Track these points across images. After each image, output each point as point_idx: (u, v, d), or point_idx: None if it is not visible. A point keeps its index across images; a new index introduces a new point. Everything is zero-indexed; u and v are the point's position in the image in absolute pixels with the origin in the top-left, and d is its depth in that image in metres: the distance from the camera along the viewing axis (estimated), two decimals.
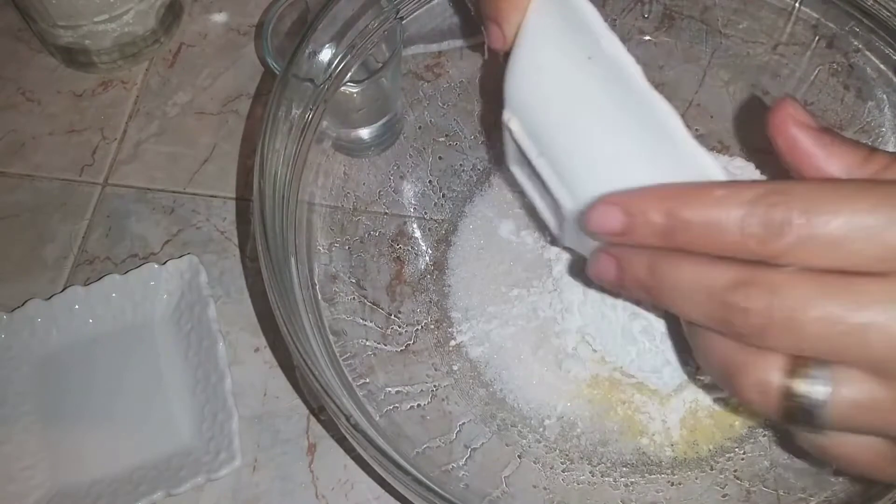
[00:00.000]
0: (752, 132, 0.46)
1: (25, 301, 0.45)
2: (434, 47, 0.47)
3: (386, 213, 0.45)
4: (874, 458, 0.24)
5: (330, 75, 0.39)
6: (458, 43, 0.47)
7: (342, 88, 0.40)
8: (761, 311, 0.22)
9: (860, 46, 0.41)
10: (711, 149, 0.47)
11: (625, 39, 0.27)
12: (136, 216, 0.51)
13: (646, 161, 0.26)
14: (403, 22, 0.42)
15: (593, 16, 0.26)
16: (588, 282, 0.42)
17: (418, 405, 0.40)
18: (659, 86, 0.29)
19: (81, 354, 0.45)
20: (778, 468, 0.39)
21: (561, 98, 0.28)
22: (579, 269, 0.43)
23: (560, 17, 0.27)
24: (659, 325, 0.40)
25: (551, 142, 0.30)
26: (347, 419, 0.30)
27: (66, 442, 0.43)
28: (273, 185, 0.35)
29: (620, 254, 0.26)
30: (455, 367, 0.43)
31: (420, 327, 0.43)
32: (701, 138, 0.43)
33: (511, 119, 0.31)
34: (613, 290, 0.27)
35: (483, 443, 0.40)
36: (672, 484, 0.39)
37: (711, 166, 0.25)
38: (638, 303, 0.39)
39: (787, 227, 0.22)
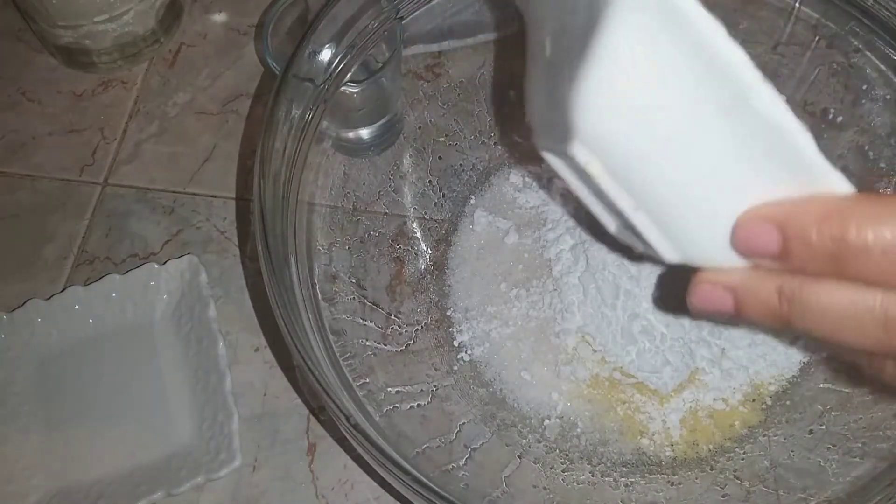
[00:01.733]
0: None
1: (25, 301, 0.45)
2: (434, 47, 0.47)
3: (386, 213, 0.45)
4: None
5: (330, 75, 0.39)
6: (458, 43, 0.47)
7: (342, 88, 0.40)
8: None
9: (860, 46, 0.41)
10: None
11: None
12: (136, 216, 0.51)
13: (771, 190, 0.22)
14: (403, 22, 0.42)
15: (699, 14, 0.20)
16: (587, 280, 0.42)
17: (418, 405, 0.40)
18: None
19: (81, 354, 0.45)
20: (778, 468, 0.39)
21: (665, 126, 0.22)
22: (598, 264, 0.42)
23: (654, 15, 0.20)
24: (659, 326, 0.41)
25: (650, 186, 0.23)
26: (347, 419, 0.30)
27: (66, 442, 0.43)
28: (273, 185, 0.35)
29: (740, 284, 0.24)
30: (455, 367, 0.43)
31: (420, 327, 0.43)
32: None
33: (590, 161, 0.23)
34: (723, 319, 0.25)
35: (483, 443, 0.40)
36: (672, 484, 0.39)
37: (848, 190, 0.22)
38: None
39: None
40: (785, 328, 0.23)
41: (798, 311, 0.23)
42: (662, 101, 0.21)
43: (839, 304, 0.22)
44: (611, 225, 0.28)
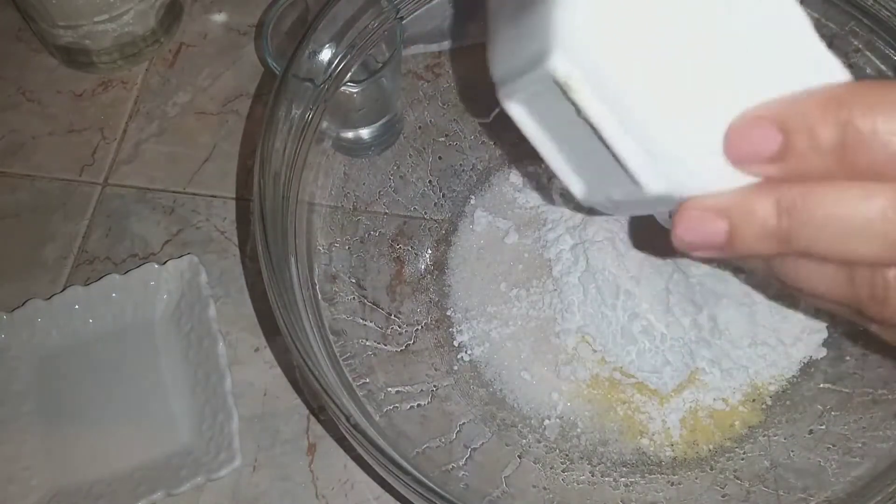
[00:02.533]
0: None
1: (25, 301, 0.45)
2: (434, 47, 0.46)
3: (386, 213, 0.45)
4: None
5: (330, 75, 0.39)
6: (458, 43, 0.47)
7: (342, 88, 0.40)
8: None
9: (860, 46, 0.41)
10: None
11: None
12: (136, 216, 0.51)
13: (768, 90, 0.20)
14: (403, 22, 0.42)
15: None
16: (587, 280, 0.42)
17: (418, 405, 0.40)
18: None
19: (81, 354, 0.45)
20: (778, 468, 0.39)
21: (656, 25, 0.20)
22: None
23: None
24: (659, 326, 0.41)
25: (637, 98, 0.21)
26: (347, 419, 0.30)
27: (66, 442, 0.43)
28: (273, 185, 0.35)
29: (733, 204, 0.21)
30: (455, 367, 0.43)
31: (420, 327, 0.43)
32: None
33: (572, 75, 0.21)
34: (712, 255, 0.22)
35: (483, 443, 0.40)
36: (672, 484, 0.39)
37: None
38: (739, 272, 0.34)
39: None
40: (783, 250, 0.21)
41: (799, 222, 0.20)
42: (655, 7, 0.20)
43: (843, 208, 0.20)
44: (578, 188, 0.26)
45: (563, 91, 0.21)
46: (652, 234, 0.40)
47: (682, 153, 0.21)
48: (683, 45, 0.20)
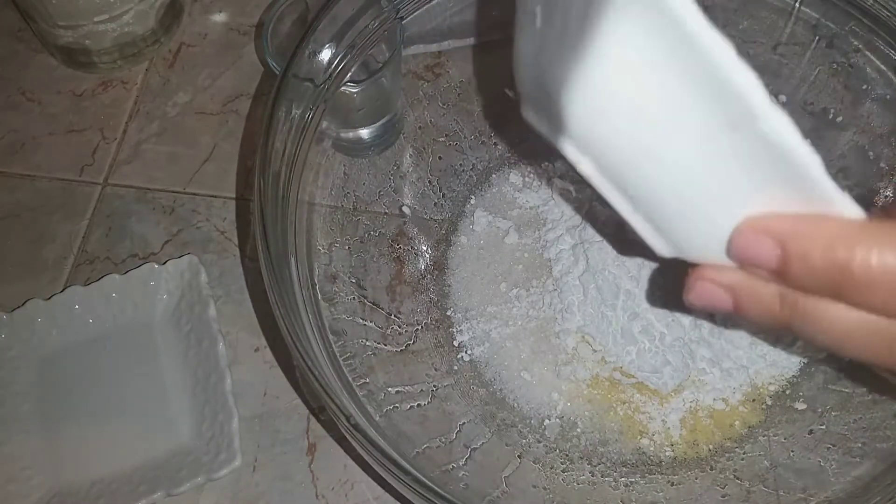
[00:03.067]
0: None
1: (25, 301, 0.45)
2: (434, 47, 0.46)
3: (386, 213, 0.45)
4: None
5: (330, 75, 0.39)
6: (458, 43, 0.47)
7: (342, 88, 0.40)
8: None
9: (860, 46, 0.41)
10: None
11: None
12: (136, 216, 0.51)
13: (775, 204, 0.21)
14: (403, 22, 0.42)
15: (706, 31, 0.18)
16: (587, 280, 0.42)
17: (418, 405, 0.40)
18: None
19: (81, 354, 0.45)
20: (778, 468, 0.39)
21: (664, 133, 0.21)
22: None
23: (658, 19, 0.19)
24: (659, 326, 0.41)
25: (644, 188, 0.22)
26: (347, 419, 0.30)
27: (66, 442, 0.43)
28: (273, 185, 0.35)
29: (740, 284, 0.23)
30: (455, 367, 0.43)
31: (420, 327, 0.43)
32: None
33: (581, 160, 0.22)
34: (717, 312, 0.24)
35: (483, 443, 0.40)
36: (672, 484, 0.39)
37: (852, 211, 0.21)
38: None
39: None
40: (784, 330, 0.23)
41: (800, 319, 0.22)
42: (661, 108, 0.20)
43: (847, 322, 0.21)
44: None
45: None
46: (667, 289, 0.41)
47: (690, 239, 0.23)
48: (692, 149, 0.21)
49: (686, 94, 0.20)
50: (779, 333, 0.23)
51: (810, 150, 0.20)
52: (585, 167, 0.22)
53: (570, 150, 0.22)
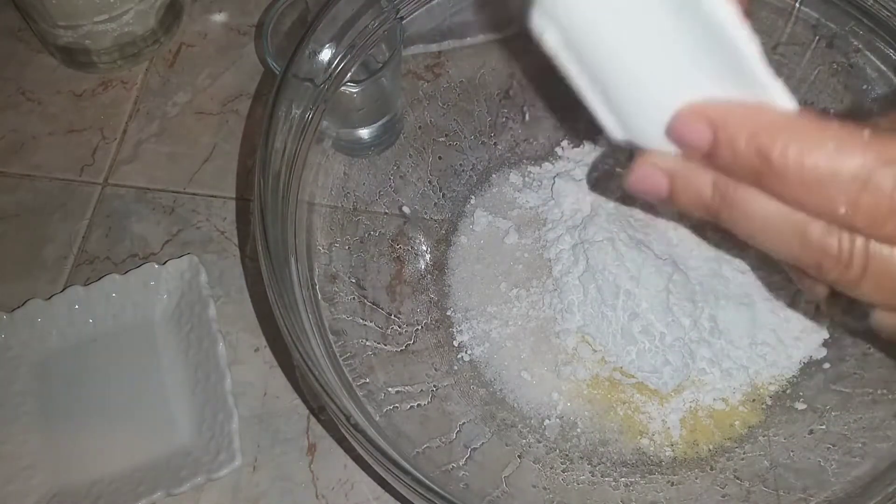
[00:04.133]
0: None
1: (25, 301, 0.45)
2: (434, 47, 0.47)
3: (386, 213, 0.45)
4: None
5: (330, 75, 0.39)
6: (458, 43, 0.47)
7: (342, 88, 0.40)
8: (859, 271, 0.22)
9: (860, 46, 0.41)
10: None
11: None
12: (136, 216, 0.51)
13: (712, 85, 0.23)
14: (403, 22, 0.42)
15: None
16: (587, 280, 0.42)
17: (418, 405, 0.40)
18: None
19: (81, 354, 0.45)
20: (778, 468, 0.39)
21: (616, 9, 0.23)
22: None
23: None
24: (659, 325, 0.41)
25: (601, 62, 0.24)
26: (347, 419, 0.30)
27: (66, 442, 0.43)
28: (273, 185, 0.35)
29: (677, 170, 0.24)
30: (455, 367, 0.43)
31: (420, 327, 0.43)
32: None
33: (545, 31, 0.24)
34: (656, 202, 0.25)
35: (483, 443, 0.40)
36: (672, 484, 0.39)
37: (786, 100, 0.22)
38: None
39: None
40: (713, 220, 0.24)
41: (727, 208, 0.23)
42: None
43: (765, 211, 0.22)
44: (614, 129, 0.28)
45: None
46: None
47: (638, 117, 0.25)
48: (643, 26, 0.23)
49: None
50: (712, 223, 0.25)
51: (749, 34, 0.22)
52: (552, 39, 0.24)
53: (539, 22, 0.24)
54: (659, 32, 0.22)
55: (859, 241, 0.21)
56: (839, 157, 0.20)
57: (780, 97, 0.22)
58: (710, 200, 0.23)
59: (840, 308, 0.27)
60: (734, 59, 0.22)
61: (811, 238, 0.22)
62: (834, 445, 0.38)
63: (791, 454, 0.39)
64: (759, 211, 0.22)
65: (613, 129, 0.26)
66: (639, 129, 0.25)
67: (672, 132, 0.23)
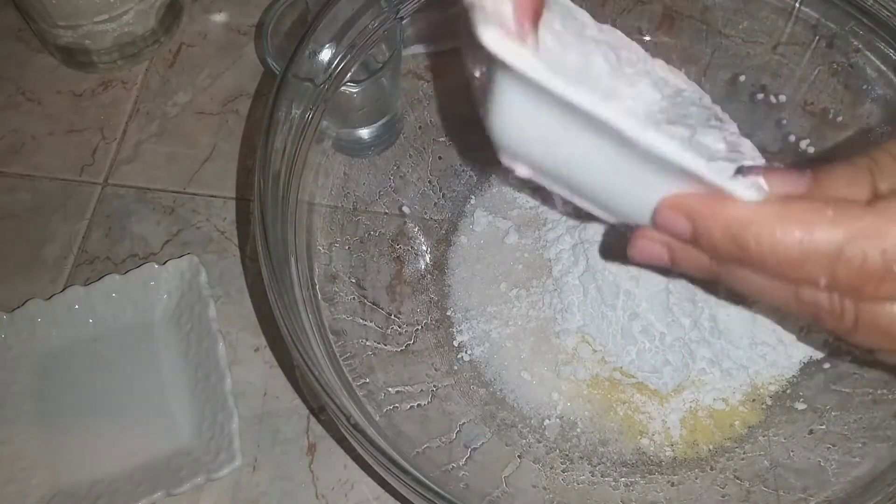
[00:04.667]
0: (752, 133, 0.46)
1: (25, 301, 0.45)
2: (434, 47, 0.47)
3: (386, 213, 0.45)
4: None
5: (330, 75, 0.39)
6: (458, 43, 0.46)
7: (342, 88, 0.40)
8: (850, 324, 0.24)
9: (860, 46, 0.41)
10: None
11: None
12: (136, 216, 0.51)
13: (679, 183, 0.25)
14: (403, 22, 0.42)
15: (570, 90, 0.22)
16: (587, 280, 0.42)
17: (418, 405, 0.40)
18: None
19: (81, 354, 0.45)
20: (778, 468, 0.39)
21: (559, 144, 0.25)
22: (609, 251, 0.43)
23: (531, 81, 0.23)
24: (659, 325, 0.41)
25: (567, 181, 0.27)
26: (347, 419, 0.30)
27: (66, 442, 0.43)
28: (273, 185, 0.35)
29: (672, 242, 0.26)
30: (455, 367, 0.43)
31: (420, 327, 0.43)
32: None
33: (515, 166, 0.27)
34: (656, 267, 0.27)
35: (483, 443, 0.40)
36: (672, 484, 0.39)
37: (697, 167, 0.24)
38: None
39: (877, 282, 0.22)
40: (714, 280, 0.26)
41: (725, 273, 0.25)
42: (563, 133, 0.24)
43: (755, 279, 0.24)
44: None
45: None
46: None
47: (620, 210, 0.27)
48: (593, 157, 0.25)
49: (577, 127, 0.24)
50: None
51: (691, 156, 0.23)
52: (522, 171, 0.27)
53: (508, 162, 0.27)
54: (613, 160, 0.24)
55: (847, 299, 0.23)
56: (809, 240, 0.22)
57: (742, 192, 0.23)
58: (709, 265, 0.25)
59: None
60: (686, 175, 0.24)
61: (803, 298, 0.24)
62: (834, 445, 0.38)
63: (791, 454, 0.39)
64: (750, 280, 0.24)
65: (604, 217, 0.28)
66: (626, 216, 0.27)
67: (656, 224, 0.25)
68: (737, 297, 0.41)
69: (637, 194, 0.25)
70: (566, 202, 0.30)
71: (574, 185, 0.27)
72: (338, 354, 0.37)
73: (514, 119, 0.25)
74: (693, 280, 0.41)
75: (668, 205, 0.24)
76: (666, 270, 0.41)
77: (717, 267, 0.25)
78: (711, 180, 0.23)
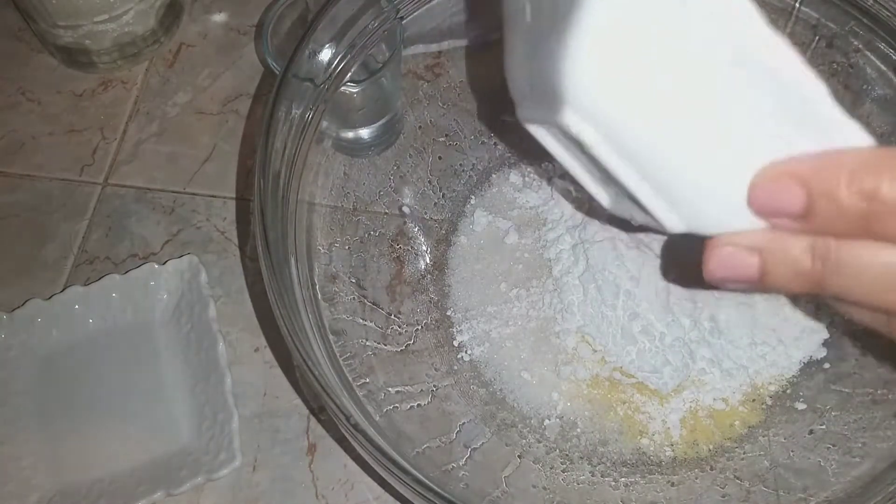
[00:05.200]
0: None
1: (25, 301, 0.45)
2: (434, 47, 0.46)
3: (386, 213, 0.45)
4: None
5: (330, 75, 0.39)
6: (458, 43, 0.47)
7: (342, 88, 0.40)
8: None
9: (860, 46, 0.41)
10: None
11: None
12: (136, 216, 0.51)
13: (789, 147, 0.21)
14: (403, 22, 0.42)
15: None
16: (587, 280, 0.42)
17: (418, 405, 0.40)
18: None
19: (81, 354, 0.45)
20: (778, 468, 0.39)
21: (668, 87, 0.20)
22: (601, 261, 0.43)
23: None
24: (659, 325, 0.41)
25: (652, 151, 0.21)
26: (347, 419, 0.30)
27: (66, 442, 0.43)
28: (273, 185, 0.35)
29: (766, 244, 0.21)
30: (455, 367, 0.43)
31: (420, 327, 0.43)
32: None
33: (583, 129, 0.21)
34: (742, 289, 0.22)
35: (483, 443, 0.40)
36: (672, 484, 0.39)
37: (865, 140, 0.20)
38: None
39: None
40: (815, 290, 0.21)
41: (833, 270, 0.21)
42: (663, 60, 0.20)
43: (878, 262, 0.20)
44: (604, 199, 0.26)
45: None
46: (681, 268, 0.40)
47: (703, 201, 0.22)
48: (696, 97, 0.20)
49: (687, 38, 0.20)
50: (805, 296, 0.21)
51: (815, 77, 0.20)
52: (589, 136, 0.21)
53: (573, 120, 0.21)
54: (716, 99, 0.20)
55: None
56: None
57: (859, 136, 0.20)
58: (811, 269, 0.21)
59: None
60: (802, 108, 0.20)
61: None
62: (834, 445, 0.38)
63: (791, 454, 0.39)
64: (872, 263, 0.20)
65: (670, 221, 0.23)
66: (703, 214, 0.22)
67: (757, 201, 0.21)
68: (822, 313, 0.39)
69: (731, 162, 0.21)
70: (601, 207, 0.26)
71: (652, 152, 0.21)
72: (338, 354, 0.37)
73: (608, 48, 0.20)
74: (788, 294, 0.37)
75: (771, 175, 0.20)
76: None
77: (820, 266, 0.21)
78: (837, 113, 0.20)
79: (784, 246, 0.21)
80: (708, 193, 0.22)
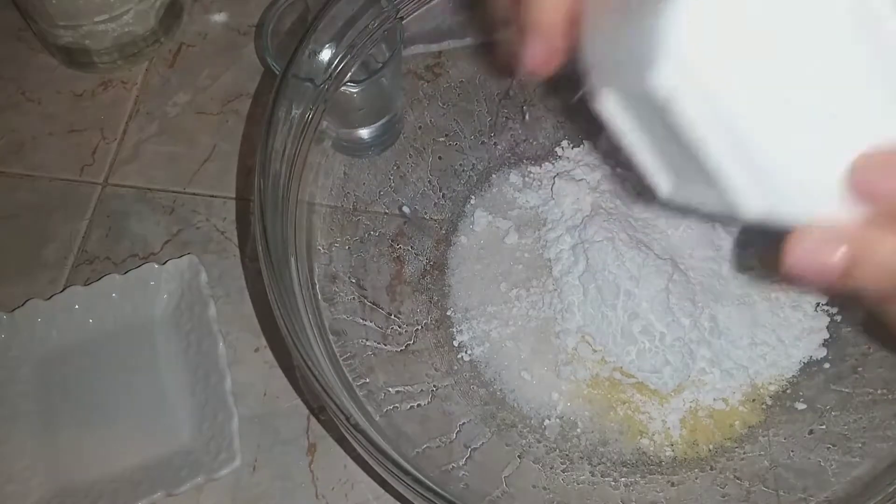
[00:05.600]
0: None
1: (25, 301, 0.45)
2: (434, 47, 0.47)
3: (386, 213, 0.45)
4: None
5: (330, 75, 0.39)
6: (458, 43, 0.47)
7: (342, 88, 0.40)
8: None
9: None
10: None
11: None
12: (136, 216, 0.51)
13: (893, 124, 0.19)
14: (403, 22, 0.42)
15: None
16: (587, 280, 0.42)
17: (418, 405, 0.40)
18: None
19: (81, 354, 0.45)
20: (778, 468, 0.39)
21: (775, 52, 0.19)
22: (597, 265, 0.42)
23: None
24: (659, 326, 0.41)
25: (749, 121, 0.20)
26: (347, 419, 0.30)
27: (67, 442, 0.43)
28: (273, 185, 0.35)
29: (857, 237, 0.19)
30: (455, 367, 0.43)
31: (420, 327, 0.43)
32: None
33: (674, 97, 0.20)
34: (820, 285, 0.20)
35: (483, 443, 0.40)
36: (672, 484, 0.39)
37: None
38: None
39: None
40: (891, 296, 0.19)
41: None
42: (773, 21, 0.18)
43: None
44: (664, 184, 0.24)
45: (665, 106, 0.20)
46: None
47: (791, 179, 0.20)
48: (802, 68, 0.19)
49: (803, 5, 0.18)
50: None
51: None
52: (681, 105, 0.20)
53: (668, 84, 0.20)
54: (829, 67, 0.19)
55: None
56: None
57: None
58: None
59: None
60: None
61: None
62: (834, 445, 0.38)
63: (791, 454, 0.39)
64: None
65: (750, 202, 0.21)
66: (791, 195, 0.20)
67: (862, 184, 0.19)
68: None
69: (835, 137, 0.19)
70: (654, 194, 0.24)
71: (748, 123, 0.20)
72: (338, 354, 0.37)
73: (711, 7, 0.19)
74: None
75: (881, 159, 0.18)
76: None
77: None
78: None
79: (876, 240, 0.19)
80: (802, 172, 0.20)
